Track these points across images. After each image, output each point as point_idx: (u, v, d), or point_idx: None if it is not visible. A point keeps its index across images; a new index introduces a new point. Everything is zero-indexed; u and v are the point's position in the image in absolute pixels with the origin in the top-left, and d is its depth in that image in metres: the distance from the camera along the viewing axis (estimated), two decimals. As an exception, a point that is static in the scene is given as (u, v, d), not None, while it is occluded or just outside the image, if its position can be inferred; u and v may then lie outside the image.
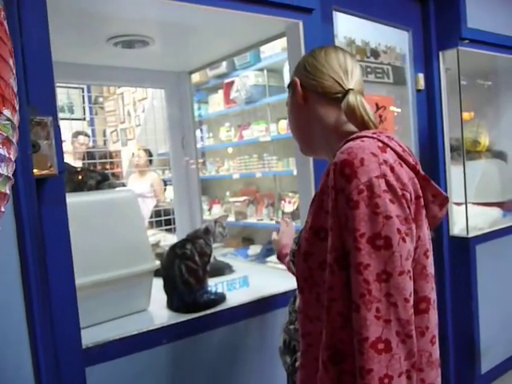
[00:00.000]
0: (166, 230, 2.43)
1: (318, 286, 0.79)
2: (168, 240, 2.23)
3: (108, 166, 2.62)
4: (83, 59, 1.93)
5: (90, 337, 1.18)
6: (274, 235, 1.37)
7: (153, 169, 3.63)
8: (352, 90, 0.87)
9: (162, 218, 2.42)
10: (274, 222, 3.25)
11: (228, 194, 3.67)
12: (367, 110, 0.85)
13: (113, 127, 4.05)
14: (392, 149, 0.78)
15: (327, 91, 0.89)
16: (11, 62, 0.52)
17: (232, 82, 3.37)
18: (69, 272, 1.05)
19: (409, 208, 0.73)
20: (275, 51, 3.07)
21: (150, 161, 3.67)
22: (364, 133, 0.81)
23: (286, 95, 3.05)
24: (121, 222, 1.39)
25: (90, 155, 2.51)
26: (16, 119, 0.54)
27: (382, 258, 0.70)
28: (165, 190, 3.60)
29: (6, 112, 0.49)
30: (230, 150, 3.77)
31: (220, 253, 2.42)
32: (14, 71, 0.52)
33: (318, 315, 0.79)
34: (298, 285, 0.85)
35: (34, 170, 0.93)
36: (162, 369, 1.32)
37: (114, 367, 1.21)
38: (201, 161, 3.45)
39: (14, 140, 0.53)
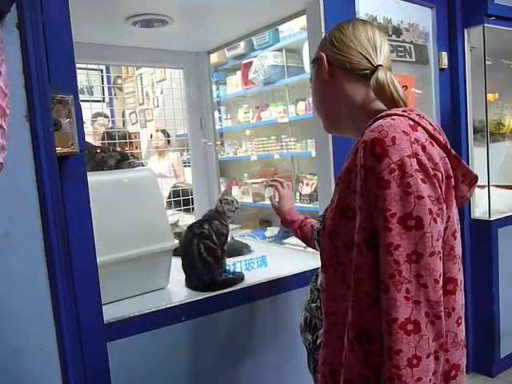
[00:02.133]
0: (185, 210, 2.45)
1: (344, 266, 0.78)
2: (186, 220, 2.25)
3: (127, 147, 2.64)
4: (102, 39, 1.94)
5: (110, 313, 1.20)
6: (274, 201, 1.36)
7: (171, 149, 3.64)
8: (381, 66, 0.84)
9: (181, 199, 2.44)
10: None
11: (246, 175, 3.67)
12: (397, 87, 0.82)
13: (131, 108, 4.06)
14: (423, 127, 0.76)
15: (355, 67, 0.86)
16: None
17: (250, 63, 3.33)
18: (90, 249, 1.06)
19: (440, 188, 0.72)
20: (294, 31, 3.01)
21: (169, 142, 3.68)
22: (394, 111, 0.79)
23: (304, 76, 3.00)
24: (141, 201, 1.41)
25: (109, 136, 2.53)
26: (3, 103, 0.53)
27: (412, 239, 0.69)
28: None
29: None
30: (247, 131, 3.75)
31: (238, 234, 2.43)
32: (3, 54, 0.51)
33: (342, 295, 0.79)
34: (322, 264, 0.84)
35: (57, 148, 0.94)
36: (180, 345, 1.35)
37: (134, 343, 1.24)
38: (218, 142, 3.46)
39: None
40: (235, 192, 3.61)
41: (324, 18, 1.60)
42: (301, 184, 3.28)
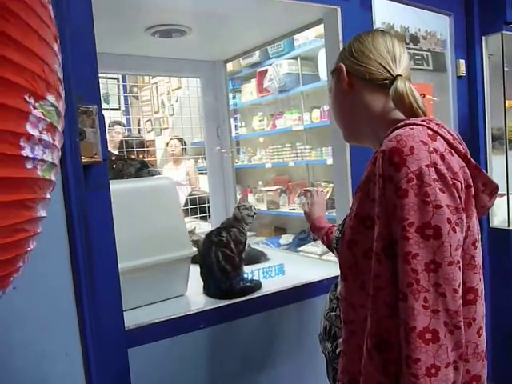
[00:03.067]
0: (201, 217, 2.46)
1: (363, 275, 0.78)
2: (203, 228, 2.26)
3: (143, 155, 2.68)
4: (121, 49, 1.97)
5: (131, 319, 1.22)
6: (306, 207, 1.37)
7: (187, 157, 3.67)
8: (400, 76, 0.85)
9: (198, 206, 2.46)
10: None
11: (260, 183, 3.68)
12: (416, 96, 0.83)
13: (147, 117, 4.11)
14: (442, 137, 0.76)
15: (374, 77, 0.87)
16: (56, 47, 0.51)
17: (265, 71, 3.35)
18: (113, 256, 1.08)
19: (459, 197, 0.72)
20: (309, 39, 3.03)
21: (185, 149, 3.71)
22: (413, 120, 0.79)
23: (320, 84, 3.00)
24: (160, 209, 1.42)
25: (126, 144, 2.57)
26: (61, 106, 0.53)
27: (431, 248, 0.69)
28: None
29: (50, 98, 0.48)
30: (261, 139, 3.77)
31: (252, 241, 2.44)
32: (60, 57, 0.52)
33: (362, 303, 0.79)
34: (342, 272, 0.84)
35: (82, 157, 0.96)
36: (199, 352, 1.35)
37: (153, 349, 1.25)
38: (232, 150, 3.48)
39: (60, 127, 0.54)
40: (250, 200, 3.62)
41: (342, 27, 1.61)
42: (316, 191, 3.28)
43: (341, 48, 1.63)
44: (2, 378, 0.82)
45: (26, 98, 0.43)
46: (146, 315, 1.29)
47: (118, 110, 4.07)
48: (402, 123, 0.79)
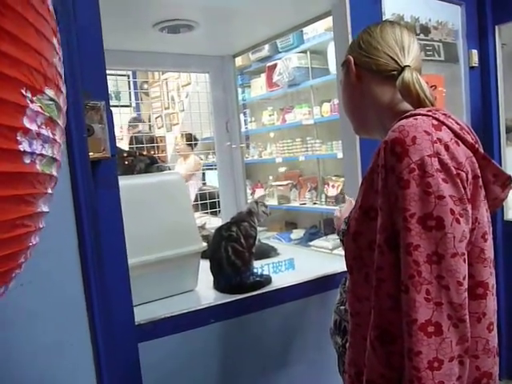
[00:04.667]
0: (211, 213, 2.47)
1: (367, 267, 0.78)
2: (213, 223, 2.27)
3: (153, 151, 2.69)
4: (129, 45, 1.98)
5: (141, 314, 1.22)
6: (337, 212, 1.36)
7: (196, 152, 3.67)
8: (408, 66, 0.84)
9: (208, 201, 2.46)
10: (317, 205, 3.24)
11: (271, 177, 3.67)
12: (423, 87, 0.81)
13: (158, 113, 4.13)
14: (448, 127, 0.75)
15: (382, 69, 0.86)
16: (55, 41, 0.51)
17: (274, 66, 3.34)
18: (122, 251, 1.09)
19: (464, 188, 0.71)
20: (318, 32, 3.01)
21: (193, 145, 3.72)
22: (418, 110, 0.79)
23: (329, 77, 2.97)
24: (170, 205, 1.43)
25: (136, 140, 2.58)
26: (62, 100, 0.53)
27: (433, 239, 0.68)
28: (203, 173, 3.65)
29: (49, 91, 0.48)
30: (272, 133, 3.76)
31: (263, 236, 2.43)
32: (60, 52, 0.52)
33: (366, 295, 0.78)
34: (347, 265, 0.84)
35: (90, 153, 0.96)
36: (210, 347, 1.36)
37: (164, 344, 1.25)
38: (242, 145, 3.47)
39: (60, 122, 0.53)
40: (259, 193, 3.62)
41: (350, 18, 1.59)
42: (326, 186, 3.26)
43: (350, 40, 1.62)
44: (13, 372, 0.83)
45: (23, 91, 0.42)
46: (156, 310, 1.30)
47: (129, 106, 4.08)
48: (408, 114, 0.79)
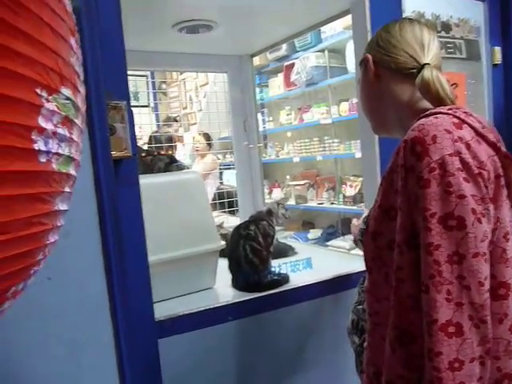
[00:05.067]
0: (229, 212, 2.48)
1: (387, 266, 0.77)
2: (231, 222, 2.28)
3: (171, 151, 2.71)
4: (149, 46, 1.99)
5: (161, 311, 1.24)
6: (354, 221, 1.35)
7: (214, 152, 3.70)
8: (428, 64, 0.83)
9: (226, 200, 2.48)
10: (335, 205, 3.22)
11: (288, 177, 3.67)
12: (443, 84, 0.81)
13: (175, 113, 4.16)
14: (469, 125, 0.74)
15: (401, 67, 0.85)
16: (73, 40, 0.51)
17: (292, 65, 3.34)
18: (142, 248, 1.10)
19: (486, 187, 0.70)
20: (336, 31, 2.99)
21: (211, 145, 3.74)
22: (439, 109, 0.78)
23: (348, 76, 2.95)
24: (189, 203, 1.44)
25: (155, 139, 2.61)
26: (80, 100, 0.53)
27: (454, 239, 0.67)
28: (221, 173, 3.67)
29: (65, 91, 0.47)
30: (288, 133, 3.75)
31: (280, 236, 2.43)
32: (78, 51, 0.52)
33: (386, 295, 0.78)
34: (366, 264, 0.84)
35: (112, 152, 0.98)
36: (227, 344, 1.36)
37: (183, 340, 1.27)
38: (260, 145, 3.48)
39: (78, 121, 0.53)
40: (277, 194, 3.62)
41: (370, 16, 1.58)
42: (344, 186, 3.24)
43: (369, 39, 1.61)
44: (36, 367, 0.85)
45: (38, 91, 0.42)
46: (175, 307, 1.31)
47: (148, 106, 4.13)
48: (428, 112, 0.78)
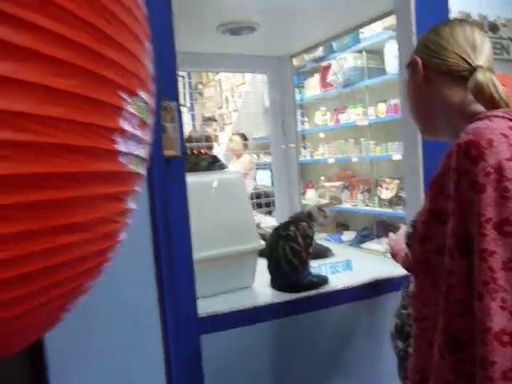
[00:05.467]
0: (266, 212, 2.50)
1: (436, 271, 0.76)
2: (267, 222, 2.29)
3: (206, 150, 2.75)
4: (192, 47, 2.03)
5: (201, 308, 1.26)
6: (391, 235, 1.32)
7: (249, 152, 3.72)
8: (481, 66, 0.81)
9: (263, 200, 2.49)
10: (369, 207, 3.18)
11: (323, 178, 3.65)
12: (498, 87, 0.79)
13: (211, 113, 4.21)
14: None
15: (452, 69, 0.84)
16: (147, 44, 0.53)
17: (329, 66, 3.32)
18: (188, 245, 1.13)
19: None
20: (376, 31, 2.95)
21: (246, 144, 3.76)
22: (493, 112, 0.76)
23: (386, 77, 2.90)
24: (231, 202, 1.46)
25: (193, 139, 2.65)
26: (153, 102, 0.55)
27: (509, 246, 0.66)
28: (255, 173, 3.68)
29: (143, 94, 0.49)
30: (321, 134, 3.73)
31: (314, 237, 2.42)
32: (151, 53, 0.53)
33: (434, 300, 0.76)
34: (413, 268, 0.83)
35: (164, 151, 1.01)
36: (265, 343, 1.38)
37: (223, 337, 1.29)
38: (294, 146, 3.48)
39: (150, 123, 0.55)
40: (312, 195, 3.61)
41: (415, 18, 1.55)
42: (380, 188, 3.20)
43: (414, 40, 1.58)
44: (91, 360, 0.89)
45: (120, 94, 0.44)
46: (215, 305, 1.33)
47: (184, 106, 4.20)
48: (482, 115, 0.76)
